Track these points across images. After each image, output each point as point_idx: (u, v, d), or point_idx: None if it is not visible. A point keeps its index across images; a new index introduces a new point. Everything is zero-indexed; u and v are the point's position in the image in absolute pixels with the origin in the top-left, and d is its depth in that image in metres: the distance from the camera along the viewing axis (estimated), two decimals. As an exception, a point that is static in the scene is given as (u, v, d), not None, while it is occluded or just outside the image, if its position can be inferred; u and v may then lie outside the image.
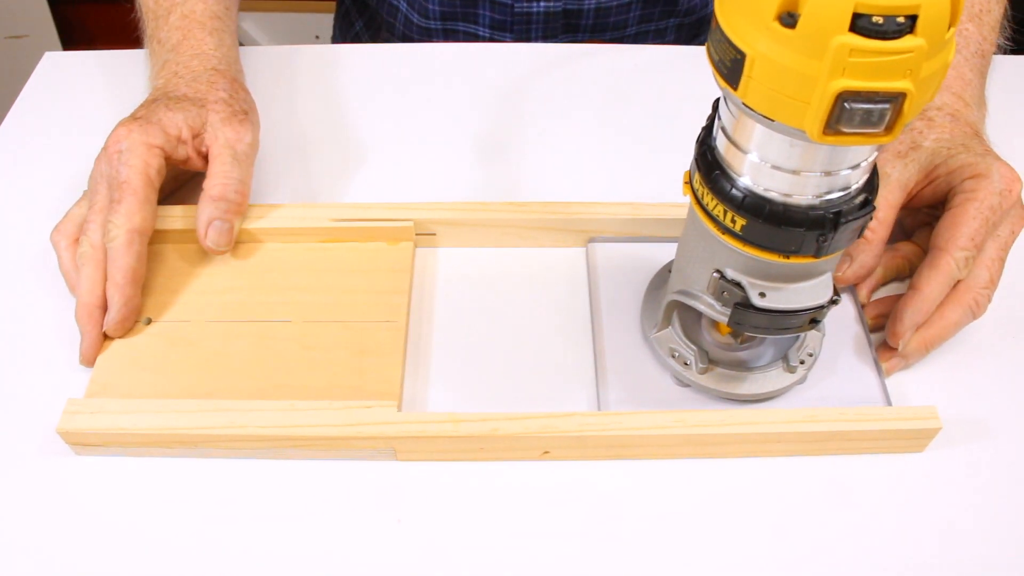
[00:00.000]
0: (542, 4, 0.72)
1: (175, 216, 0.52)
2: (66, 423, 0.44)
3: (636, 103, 0.65)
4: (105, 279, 0.48)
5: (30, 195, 0.59)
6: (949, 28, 0.30)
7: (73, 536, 0.43)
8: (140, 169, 0.49)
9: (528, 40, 0.75)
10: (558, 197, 0.57)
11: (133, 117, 0.52)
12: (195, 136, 0.52)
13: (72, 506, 0.44)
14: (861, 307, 0.50)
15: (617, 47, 0.71)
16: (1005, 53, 0.65)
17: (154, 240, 0.53)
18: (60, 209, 0.57)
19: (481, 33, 0.76)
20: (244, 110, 0.54)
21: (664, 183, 0.59)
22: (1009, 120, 0.65)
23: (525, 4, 0.72)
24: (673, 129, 0.62)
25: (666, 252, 0.53)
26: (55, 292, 0.52)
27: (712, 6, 0.76)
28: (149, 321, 0.50)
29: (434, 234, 0.53)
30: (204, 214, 0.50)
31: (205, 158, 0.52)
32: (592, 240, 0.54)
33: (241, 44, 0.63)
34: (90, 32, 1.56)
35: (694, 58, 0.68)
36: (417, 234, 0.53)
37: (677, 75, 0.66)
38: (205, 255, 0.52)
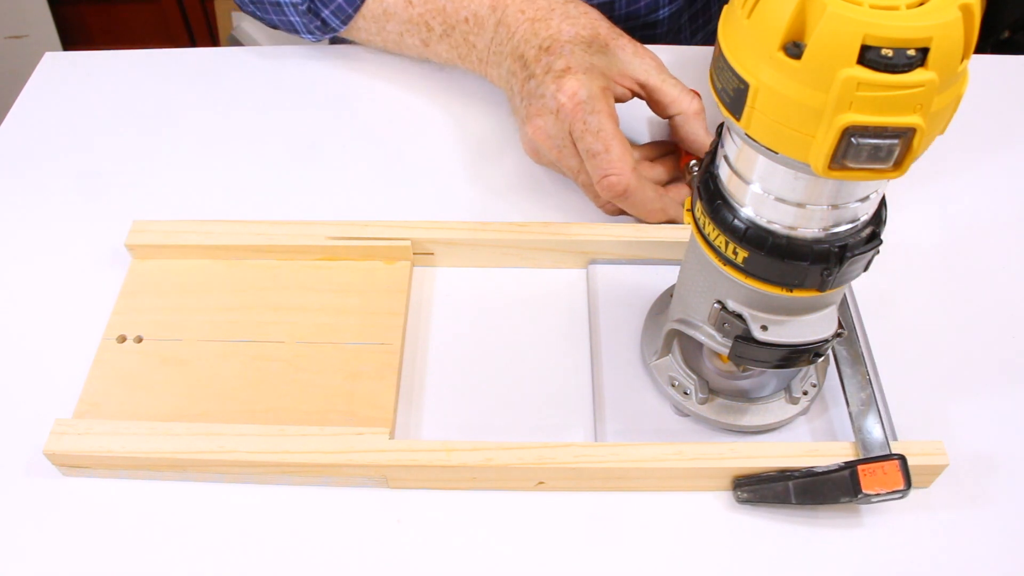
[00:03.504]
0: None
1: (168, 231, 0.51)
2: (53, 444, 0.43)
3: (643, 106, 0.63)
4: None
5: (30, 195, 0.58)
6: (962, 61, 0.29)
7: (59, 560, 0.42)
8: (608, 113, 0.49)
9: None
10: (559, 207, 0.56)
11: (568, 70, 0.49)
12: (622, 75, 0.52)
13: (58, 529, 0.43)
14: (864, 336, 0.49)
15: None
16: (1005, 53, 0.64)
17: (145, 256, 0.52)
18: (60, 209, 0.57)
19: None
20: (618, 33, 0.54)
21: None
22: (1009, 120, 0.64)
23: None
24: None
25: (669, 275, 0.52)
26: (49, 301, 0.52)
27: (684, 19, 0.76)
28: (140, 339, 0.49)
29: (432, 254, 0.53)
30: (699, 125, 0.52)
31: (635, 92, 0.53)
32: (593, 262, 0.52)
33: (241, 44, 0.63)
34: (90, 32, 1.57)
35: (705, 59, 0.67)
36: (415, 253, 0.52)
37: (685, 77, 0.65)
38: (198, 272, 0.51)
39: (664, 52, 0.69)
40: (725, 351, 0.41)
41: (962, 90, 0.30)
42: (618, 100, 0.52)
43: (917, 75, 0.28)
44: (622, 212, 0.52)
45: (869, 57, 0.28)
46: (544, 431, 0.46)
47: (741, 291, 0.38)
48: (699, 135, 0.53)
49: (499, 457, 0.42)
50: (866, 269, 0.37)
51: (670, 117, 0.54)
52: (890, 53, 0.28)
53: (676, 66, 0.67)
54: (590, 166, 0.49)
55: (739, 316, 0.39)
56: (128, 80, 0.66)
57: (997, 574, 0.42)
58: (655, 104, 0.54)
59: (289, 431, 0.43)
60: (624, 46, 0.52)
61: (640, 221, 0.52)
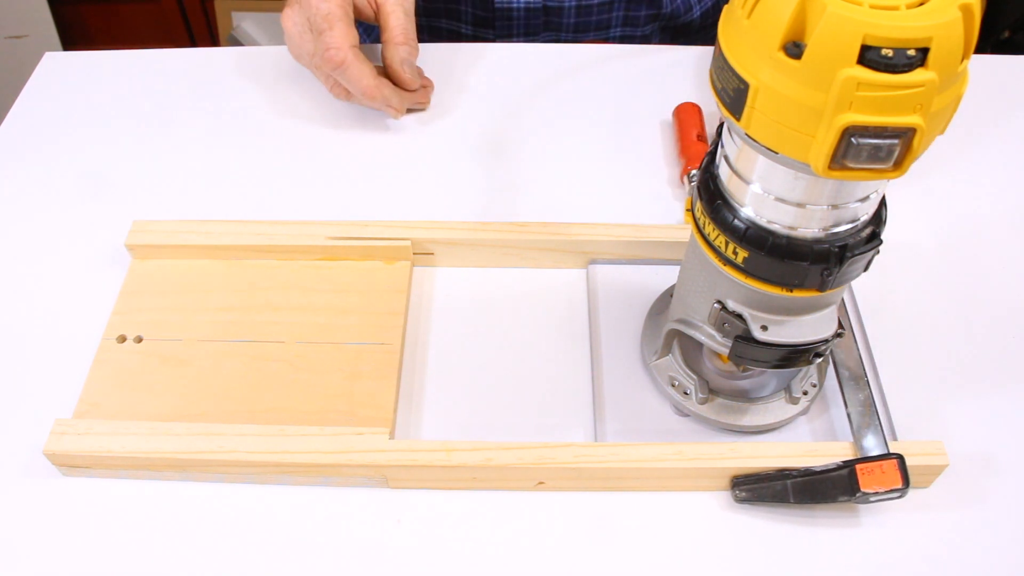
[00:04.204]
0: (522, 0, 0.72)
1: (168, 231, 0.51)
2: (53, 444, 0.43)
3: (642, 107, 0.64)
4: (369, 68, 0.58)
5: (30, 195, 0.58)
6: (962, 61, 0.29)
7: (59, 560, 0.42)
8: (338, 3, 0.57)
9: (510, 37, 0.75)
10: (559, 207, 0.57)
11: None
12: None
13: (58, 529, 0.43)
14: (864, 336, 0.49)
15: (620, 47, 0.70)
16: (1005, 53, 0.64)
17: (145, 256, 0.52)
18: (59, 209, 0.57)
19: (464, 30, 0.76)
20: None
21: (665, 198, 0.58)
22: (1009, 120, 0.64)
23: (505, 1, 0.72)
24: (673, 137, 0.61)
25: (669, 275, 0.52)
26: (49, 301, 0.52)
27: (696, 14, 0.76)
28: (140, 339, 0.49)
29: (432, 253, 0.53)
30: (397, 55, 0.59)
31: (375, 14, 0.60)
32: (593, 262, 0.52)
33: (241, 44, 0.63)
34: (90, 32, 1.56)
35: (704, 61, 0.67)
36: (415, 253, 0.52)
37: (684, 78, 0.65)
38: (198, 272, 0.51)
39: (655, 52, 0.69)
40: (725, 351, 0.41)
41: (962, 90, 0.30)
42: (364, 16, 0.60)
43: (917, 75, 0.28)
44: (349, 96, 0.60)
45: (869, 57, 0.28)
46: (544, 431, 0.46)
47: (741, 291, 0.38)
48: (392, 61, 0.59)
49: (499, 457, 0.42)
50: (866, 269, 0.37)
51: (383, 43, 0.60)
52: (890, 53, 0.28)
53: (674, 67, 0.67)
54: (317, 44, 0.57)
55: (739, 316, 0.39)
56: (128, 80, 0.66)
57: (996, 574, 0.42)
58: (380, 30, 0.60)
59: (289, 431, 0.43)
60: None
61: (360, 102, 0.60)
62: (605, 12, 0.74)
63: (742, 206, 0.36)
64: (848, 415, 0.44)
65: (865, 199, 0.34)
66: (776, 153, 0.32)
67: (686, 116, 0.60)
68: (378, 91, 0.58)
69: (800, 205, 0.34)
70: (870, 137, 0.29)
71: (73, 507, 0.44)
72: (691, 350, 0.47)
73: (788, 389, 0.45)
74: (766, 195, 0.34)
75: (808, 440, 0.46)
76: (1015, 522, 0.43)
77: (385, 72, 0.60)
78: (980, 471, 0.45)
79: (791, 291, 0.37)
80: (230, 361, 0.48)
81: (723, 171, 0.36)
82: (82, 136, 0.62)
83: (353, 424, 0.45)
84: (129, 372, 0.47)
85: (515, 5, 0.73)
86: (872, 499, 0.40)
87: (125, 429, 0.43)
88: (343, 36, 0.56)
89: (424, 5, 0.74)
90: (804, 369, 0.46)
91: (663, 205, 0.57)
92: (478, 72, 0.67)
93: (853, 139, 0.29)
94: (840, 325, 0.39)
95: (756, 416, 0.45)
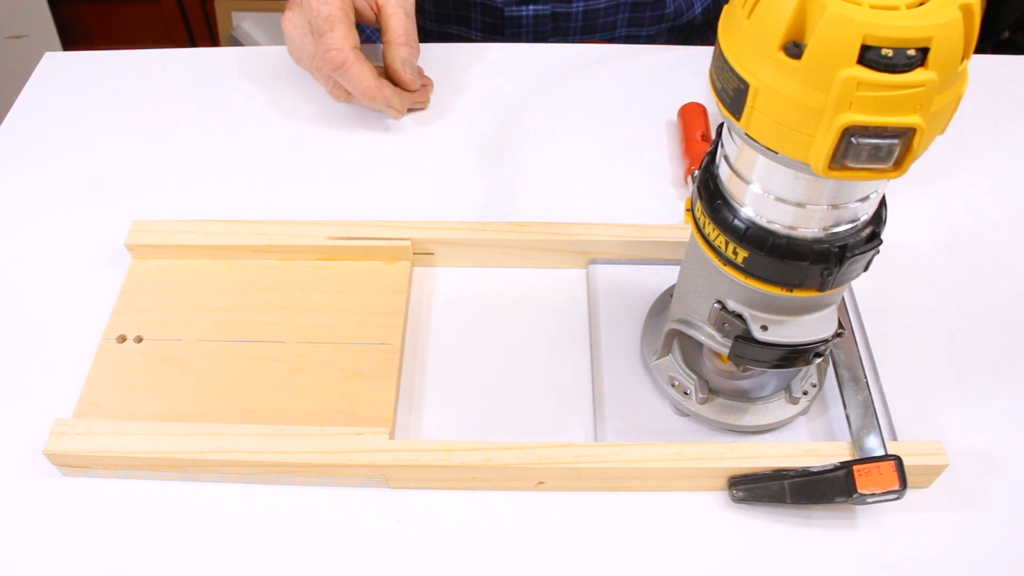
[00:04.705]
0: (531, 8, 0.73)
1: (168, 231, 0.52)
2: (53, 444, 0.43)
3: (642, 107, 0.64)
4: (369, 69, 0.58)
5: (30, 195, 0.58)
6: (962, 61, 0.29)
7: (59, 560, 0.42)
8: (339, 5, 0.57)
9: (519, 43, 0.75)
10: (559, 207, 0.57)
11: None
12: None
13: (58, 529, 0.43)
14: (864, 336, 0.49)
15: (620, 47, 0.70)
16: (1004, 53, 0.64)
17: (145, 256, 0.52)
18: (60, 209, 0.57)
19: (474, 37, 0.76)
20: None
21: (668, 198, 0.58)
22: (1009, 120, 0.64)
23: (515, 8, 0.73)
24: (678, 137, 0.61)
25: (669, 275, 0.52)
26: (49, 301, 0.52)
27: (698, 10, 0.76)
28: (140, 339, 0.49)
29: (432, 253, 0.53)
30: (398, 56, 0.59)
31: (376, 16, 0.61)
32: (593, 262, 0.52)
33: (241, 44, 0.63)
34: (90, 32, 1.57)
35: (704, 60, 0.67)
36: (415, 253, 0.52)
37: (684, 78, 0.65)
38: (197, 272, 0.51)
39: (655, 53, 0.69)
40: (725, 351, 0.41)
41: (962, 90, 0.30)
42: (365, 18, 0.61)
43: (917, 75, 0.28)
44: (349, 98, 0.61)
45: (869, 57, 0.28)
46: (544, 431, 0.46)
47: (741, 291, 0.38)
48: (394, 62, 0.59)
49: (499, 457, 0.42)
50: (866, 269, 0.37)
51: (385, 44, 0.60)
52: (890, 53, 0.28)
53: (676, 67, 0.67)
54: (317, 46, 0.58)
55: (739, 316, 0.39)
56: (128, 80, 0.66)
57: (996, 575, 0.42)
58: (381, 31, 0.61)
59: (289, 431, 0.43)
60: None
61: (361, 103, 0.60)
62: (611, 15, 0.75)
63: (742, 206, 0.36)
64: (847, 415, 0.44)
65: (865, 199, 0.34)
66: (776, 153, 0.32)
67: (691, 116, 0.60)
68: (379, 92, 0.58)
69: (800, 205, 0.34)
70: (870, 137, 0.29)
71: (73, 507, 0.44)
72: (691, 350, 0.47)
73: (788, 389, 0.45)
74: (766, 195, 0.34)
75: (808, 440, 0.46)
76: (1015, 522, 0.43)
77: (385, 73, 0.60)
78: (980, 471, 0.45)
79: (791, 291, 0.37)
80: (230, 361, 0.48)
81: (723, 171, 0.36)
82: (82, 136, 0.62)
83: (353, 424, 0.45)
84: (129, 372, 0.47)
85: (524, 13, 0.73)
86: (869, 500, 0.40)
87: (125, 429, 0.43)
88: (344, 37, 0.56)
89: (435, 11, 0.75)
90: (804, 369, 0.46)
91: (666, 205, 0.57)
92: (478, 72, 0.67)
93: (853, 139, 0.29)
94: (840, 325, 0.39)
95: (756, 416, 0.45)
